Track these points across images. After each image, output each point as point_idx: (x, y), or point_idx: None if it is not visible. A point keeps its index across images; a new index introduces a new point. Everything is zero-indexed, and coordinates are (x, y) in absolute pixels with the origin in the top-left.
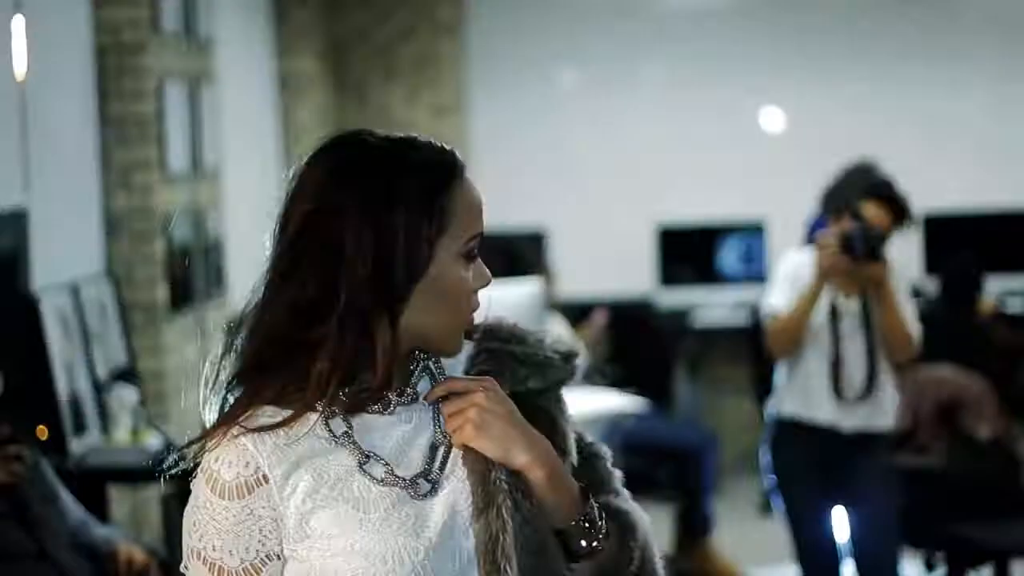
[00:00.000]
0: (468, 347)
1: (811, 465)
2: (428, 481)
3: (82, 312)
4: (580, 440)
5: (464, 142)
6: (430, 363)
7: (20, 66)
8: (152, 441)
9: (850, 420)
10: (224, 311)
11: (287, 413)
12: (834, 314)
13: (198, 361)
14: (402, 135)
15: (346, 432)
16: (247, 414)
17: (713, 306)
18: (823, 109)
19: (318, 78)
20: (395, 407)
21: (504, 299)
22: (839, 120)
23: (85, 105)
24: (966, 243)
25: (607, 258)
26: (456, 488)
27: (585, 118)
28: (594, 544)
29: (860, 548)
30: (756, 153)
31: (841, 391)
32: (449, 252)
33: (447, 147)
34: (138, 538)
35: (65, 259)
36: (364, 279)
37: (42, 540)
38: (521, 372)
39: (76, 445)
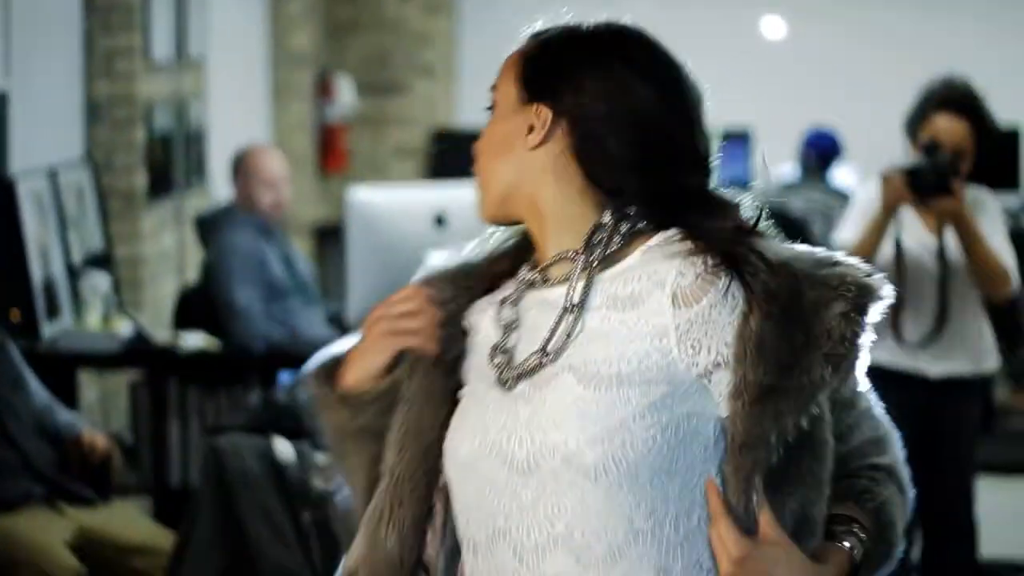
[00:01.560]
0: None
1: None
2: (502, 378)
3: (59, 197)
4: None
5: (454, 42)
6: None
7: None
8: (123, 327)
9: (912, 362)
10: (205, 200)
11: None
12: (898, 251)
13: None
14: None
15: (503, 300)
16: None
17: None
18: (822, 20)
19: None
20: (526, 289)
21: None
22: (838, 33)
23: None
24: None
25: None
26: (549, 401)
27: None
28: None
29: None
30: (748, 61)
31: (901, 334)
32: None
33: None
34: (106, 424)
35: (44, 144)
36: None
37: (5, 423)
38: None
39: (48, 329)
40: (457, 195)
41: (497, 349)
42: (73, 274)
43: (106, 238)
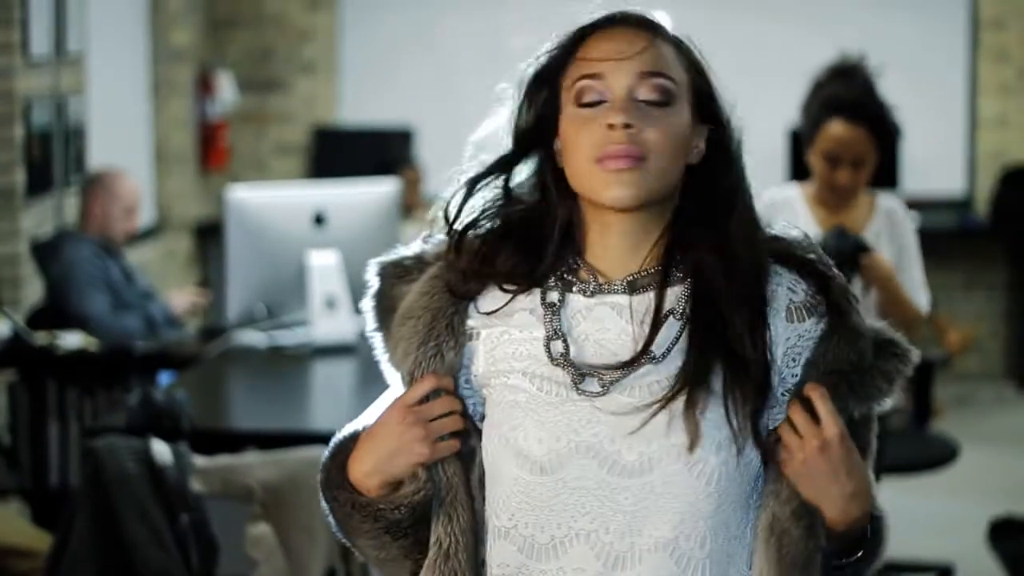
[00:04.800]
0: (821, 310)
1: None
2: (600, 383)
3: None
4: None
5: (336, 38)
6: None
7: None
8: (1, 327)
9: None
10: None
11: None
12: None
13: None
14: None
15: (553, 304)
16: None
17: None
18: (704, 21)
19: None
20: (595, 293)
21: (359, 199)
22: (724, 20)
23: None
24: None
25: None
26: (656, 420)
27: (459, 11)
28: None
29: None
30: None
31: None
32: (568, 108)
33: (612, 10)
34: None
35: None
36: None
37: None
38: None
39: None
40: (336, 194)
41: (558, 351)
42: None
43: None
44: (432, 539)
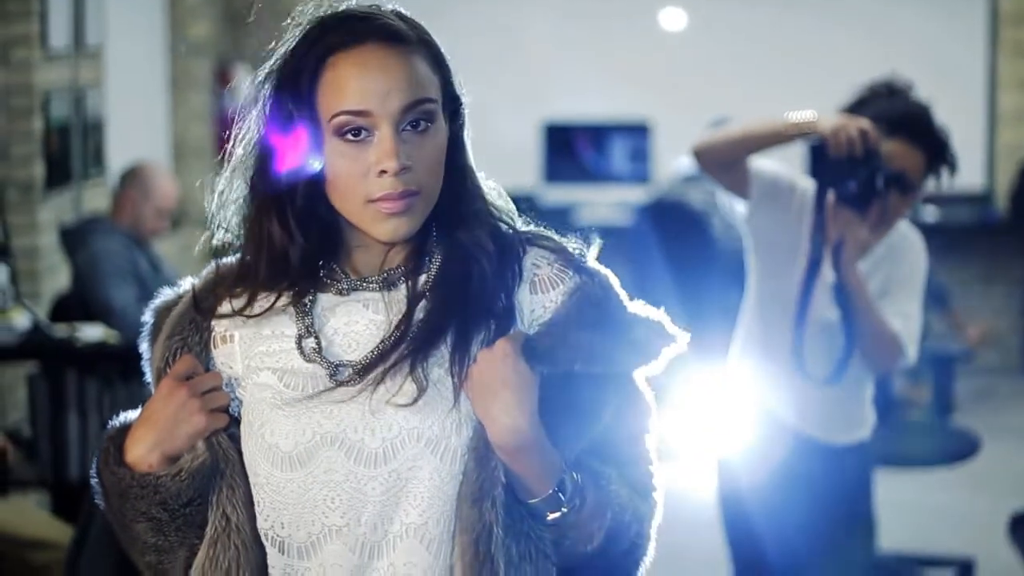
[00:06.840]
0: (568, 284)
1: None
2: (352, 374)
3: None
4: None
5: None
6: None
7: None
8: (21, 320)
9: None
10: (103, 190)
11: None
12: (812, 267)
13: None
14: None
15: (304, 304)
16: (243, 299)
17: (598, 204)
18: (725, 12)
19: None
20: (350, 291)
21: None
22: (738, 25)
23: None
24: None
25: (493, 153)
26: (403, 388)
27: (475, 10)
28: (557, 514)
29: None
30: (649, 53)
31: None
32: (328, 136)
33: (349, 14)
34: (3, 417)
35: None
36: (256, 175)
37: None
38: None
39: None
40: None
41: (310, 347)
42: None
43: (3, 229)
44: (216, 513)
